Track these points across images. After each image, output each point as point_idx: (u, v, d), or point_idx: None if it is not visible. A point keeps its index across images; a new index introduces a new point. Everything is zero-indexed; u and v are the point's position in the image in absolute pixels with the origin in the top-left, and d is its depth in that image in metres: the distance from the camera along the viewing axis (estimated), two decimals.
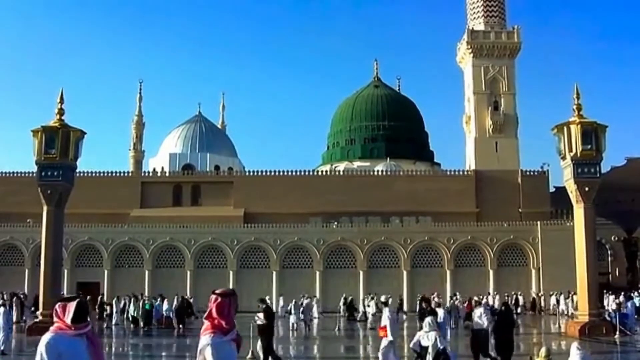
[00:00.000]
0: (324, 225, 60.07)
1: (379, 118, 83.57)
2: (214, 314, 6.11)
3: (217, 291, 6.24)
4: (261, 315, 18.68)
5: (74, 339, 5.81)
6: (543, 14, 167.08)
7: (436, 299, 20.29)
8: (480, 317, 19.02)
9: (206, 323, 6.15)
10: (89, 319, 6.01)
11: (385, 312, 17.40)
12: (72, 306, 5.84)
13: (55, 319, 5.94)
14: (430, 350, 14.94)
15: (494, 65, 71.93)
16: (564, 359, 13.30)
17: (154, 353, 28.33)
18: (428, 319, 15.90)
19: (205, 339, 6.07)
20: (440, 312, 19.36)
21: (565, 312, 47.17)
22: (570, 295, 49.23)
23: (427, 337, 15.14)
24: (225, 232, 58.22)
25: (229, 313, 6.15)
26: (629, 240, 66.50)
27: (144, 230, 58.12)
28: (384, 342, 16.80)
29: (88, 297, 47.00)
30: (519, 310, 48.83)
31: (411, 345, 16.16)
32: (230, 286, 55.57)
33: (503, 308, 20.33)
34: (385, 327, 16.90)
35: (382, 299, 19.47)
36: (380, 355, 16.82)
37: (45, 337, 5.80)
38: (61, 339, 5.78)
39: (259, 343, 18.85)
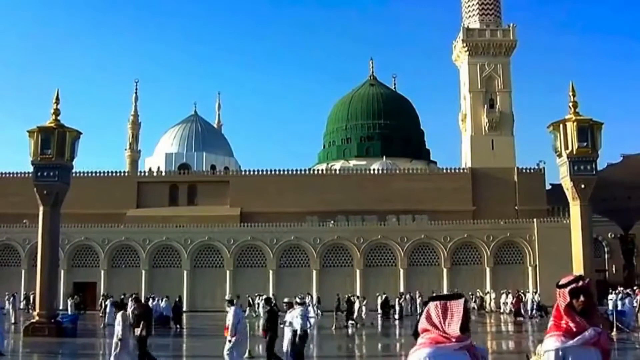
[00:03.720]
0: (321, 224, 60.07)
1: (375, 117, 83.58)
2: (557, 312, 4.66)
3: (561, 282, 4.76)
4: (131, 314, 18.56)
5: (456, 356, 4.16)
6: (538, 11, 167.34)
7: (287, 299, 20.60)
8: (295, 317, 17.86)
9: (550, 322, 4.71)
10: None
11: (230, 310, 16.64)
12: (457, 308, 4.20)
13: (426, 324, 4.23)
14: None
15: (489, 63, 71.98)
16: None
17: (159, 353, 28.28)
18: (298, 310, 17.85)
19: (547, 342, 4.61)
20: (291, 313, 18.57)
21: (504, 310, 48.28)
22: (508, 293, 50.06)
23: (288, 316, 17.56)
24: (221, 231, 58.19)
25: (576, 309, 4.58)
26: (626, 237, 66.53)
27: (140, 230, 58.05)
28: (228, 343, 16.35)
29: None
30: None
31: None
32: (227, 286, 55.54)
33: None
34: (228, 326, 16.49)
35: (227, 297, 18.63)
36: (225, 355, 16.26)
37: (421, 354, 4.13)
38: (443, 356, 4.11)
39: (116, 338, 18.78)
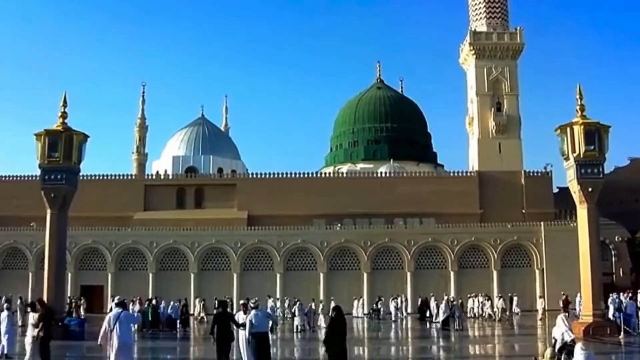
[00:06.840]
0: (328, 227, 60.04)
1: (382, 120, 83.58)
2: None
3: None
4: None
5: None
6: (545, 14, 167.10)
7: (242, 301, 20.54)
8: (249, 321, 17.84)
9: None
10: None
11: (111, 313, 16.02)
12: None
13: None
14: (558, 342, 17.86)
15: (496, 66, 71.93)
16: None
17: (161, 354, 28.37)
18: (560, 316, 18.55)
19: None
20: (241, 316, 18.40)
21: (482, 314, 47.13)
22: (470, 297, 49.42)
23: (557, 331, 18.05)
24: (228, 234, 58.26)
25: None
26: (633, 241, 66.28)
27: (147, 233, 58.18)
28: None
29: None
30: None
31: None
32: (234, 289, 55.56)
33: (334, 314, 17.48)
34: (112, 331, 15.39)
35: (115, 300, 17.52)
36: None
37: None
38: None
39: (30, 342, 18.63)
